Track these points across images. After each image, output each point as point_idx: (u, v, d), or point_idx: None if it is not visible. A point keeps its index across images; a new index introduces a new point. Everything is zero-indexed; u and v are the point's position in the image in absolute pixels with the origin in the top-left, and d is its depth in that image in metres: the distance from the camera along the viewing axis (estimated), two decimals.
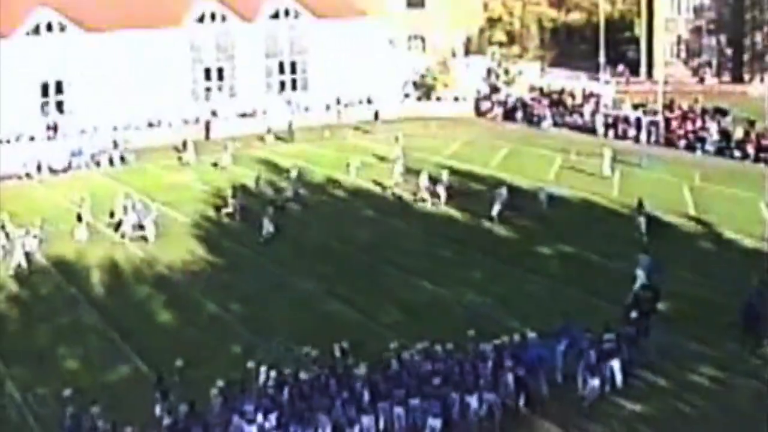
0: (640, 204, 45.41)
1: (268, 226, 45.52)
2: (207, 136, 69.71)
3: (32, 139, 64.59)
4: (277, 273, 40.78)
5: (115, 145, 64.48)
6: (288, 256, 43.22)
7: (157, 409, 26.42)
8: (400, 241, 44.94)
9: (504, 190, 48.64)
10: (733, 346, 31.47)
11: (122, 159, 63.54)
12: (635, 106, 69.50)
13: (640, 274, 36.27)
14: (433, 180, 51.51)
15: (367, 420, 26.09)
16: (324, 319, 35.15)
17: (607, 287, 36.43)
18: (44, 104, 68.23)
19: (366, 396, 26.52)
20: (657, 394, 28.62)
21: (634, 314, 31.24)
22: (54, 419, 27.01)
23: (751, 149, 58.77)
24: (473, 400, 26.81)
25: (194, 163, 62.58)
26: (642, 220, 44.50)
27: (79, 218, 47.54)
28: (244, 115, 73.44)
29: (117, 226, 46.92)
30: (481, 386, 26.99)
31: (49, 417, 27.77)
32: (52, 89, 68.53)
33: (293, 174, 53.87)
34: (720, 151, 60.31)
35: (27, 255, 43.03)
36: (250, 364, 28.09)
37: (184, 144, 65.18)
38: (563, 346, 29.45)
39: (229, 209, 49.14)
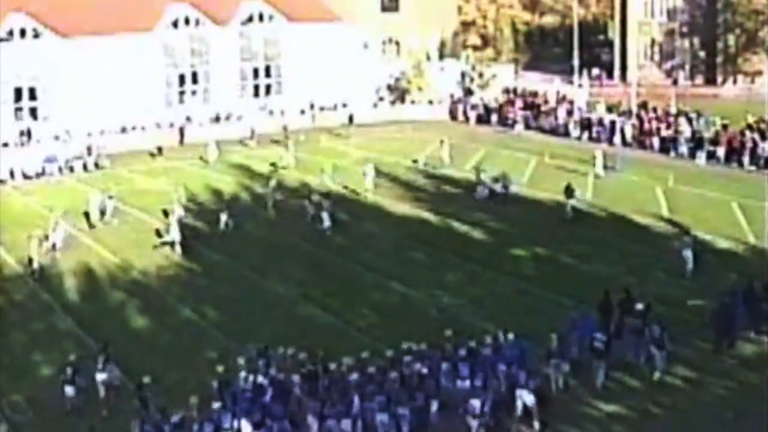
0: (568, 188, 48.42)
1: (326, 220, 46.59)
2: (181, 141, 69.63)
3: (5, 145, 64.23)
4: (252, 277, 40.79)
5: (90, 150, 64.30)
6: (263, 259, 43.23)
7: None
8: (374, 244, 45.03)
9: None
10: (707, 346, 31.67)
11: (96, 165, 63.36)
12: (609, 109, 69.80)
13: (688, 255, 38.28)
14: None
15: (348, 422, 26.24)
16: (298, 323, 35.16)
17: (580, 289, 36.47)
18: (18, 110, 67.99)
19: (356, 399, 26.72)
20: (631, 395, 28.75)
21: (639, 306, 31.87)
22: (28, 426, 27.00)
23: (721, 151, 59.04)
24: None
25: (213, 161, 63.25)
26: (570, 202, 48.02)
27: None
28: (218, 120, 73.39)
29: (159, 233, 46.65)
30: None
31: (23, 424, 27.76)
32: (25, 95, 68.31)
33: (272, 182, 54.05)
34: (694, 153, 60.53)
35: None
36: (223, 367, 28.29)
37: (159, 149, 65.52)
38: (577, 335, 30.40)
39: (311, 212, 48.61)
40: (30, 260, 42.26)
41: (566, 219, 47.37)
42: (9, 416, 28.45)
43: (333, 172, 56.11)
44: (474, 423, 26.23)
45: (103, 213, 49.93)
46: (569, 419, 27.32)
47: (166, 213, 47.75)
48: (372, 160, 58.76)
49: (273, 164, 60.90)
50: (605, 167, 56.29)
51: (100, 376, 28.66)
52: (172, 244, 44.73)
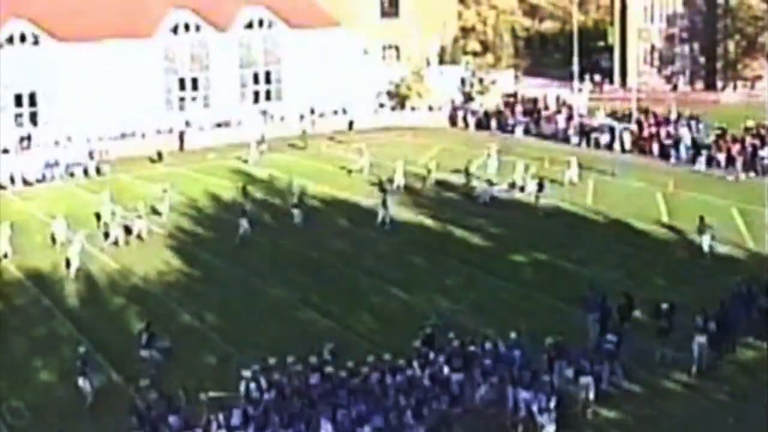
0: (540, 183, 51.61)
1: (384, 215, 48.04)
2: (181, 147, 69.62)
3: (6, 151, 64.17)
4: (252, 282, 40.77)
5: (91, 156, 64.25)
6: (263, 265, 43.20)
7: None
8: (374, 249, 45.01)
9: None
10: (707, 352, 31.64)
11: (97, 170, 63.30)
12: (609, 115, 69.79)
13: (706, 239, 40.52)
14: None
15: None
16: (298, 328, 35.12)
17: (580, 294, 36.43)
18: (18, 115, 68.00)
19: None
20: (631, 401, 28.73)
21: (664, 306, 32.44)
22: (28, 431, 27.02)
23: (721, 157, 59.01)
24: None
25: (253, 162, 64.00)
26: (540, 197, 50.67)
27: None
28: (218, 126, 73.40)
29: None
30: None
31: (23, 429, 27.78)
32: (26, 100, 68.32)
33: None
34: (693, 159, 60.48)
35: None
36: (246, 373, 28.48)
37: (159, 154, 65.55)
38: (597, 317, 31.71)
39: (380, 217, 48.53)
40: (68, 262, 42.52)
41: (538, 215, 49.12)
42: (9, 422, 28.47)
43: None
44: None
45: (155, 211, 50.88)
46: (569, 424, 27.30)
47: (244, 212, 47.63)
48: (374, 164, 58.92)
49: (348, 170, 61.05)
50: (604, 172, 56.29)
51: (145, 353, 30.99)
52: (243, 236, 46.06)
